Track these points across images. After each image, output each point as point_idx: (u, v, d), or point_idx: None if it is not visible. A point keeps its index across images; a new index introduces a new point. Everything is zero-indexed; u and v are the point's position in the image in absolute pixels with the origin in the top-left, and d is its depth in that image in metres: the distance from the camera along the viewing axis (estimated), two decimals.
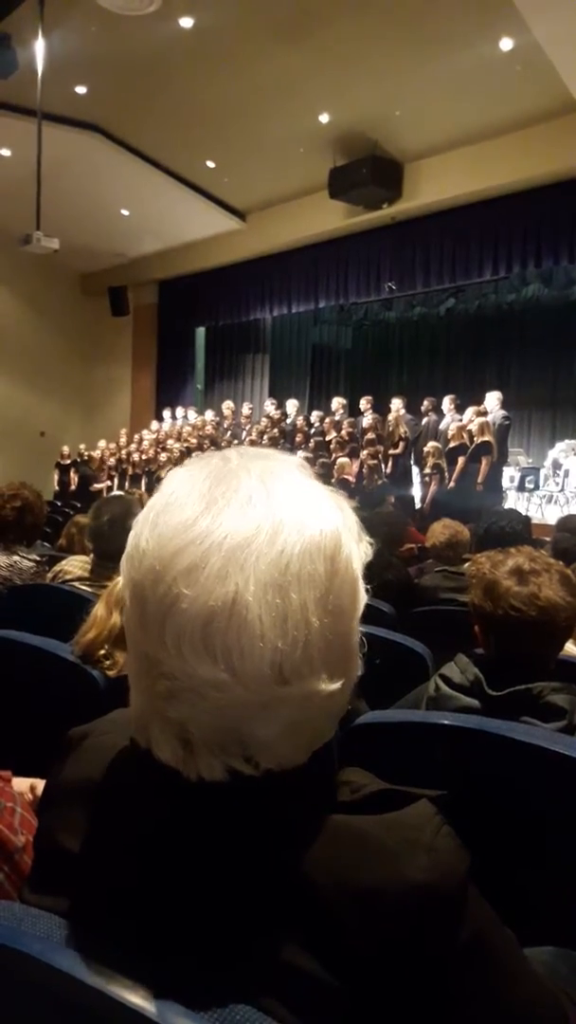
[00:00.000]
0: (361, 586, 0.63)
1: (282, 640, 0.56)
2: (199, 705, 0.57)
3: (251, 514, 0.58)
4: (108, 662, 1.74)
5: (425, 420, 10.18)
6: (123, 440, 13.90)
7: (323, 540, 0.59)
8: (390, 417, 10.19)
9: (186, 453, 11.97)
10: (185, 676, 0.56)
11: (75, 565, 3.03)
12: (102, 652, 1.74)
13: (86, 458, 13.94)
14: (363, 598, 0.64)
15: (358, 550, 0.63)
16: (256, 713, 0.57)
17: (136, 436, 13.66)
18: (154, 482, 11.98)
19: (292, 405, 12.33)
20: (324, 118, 9.73)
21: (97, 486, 12.91)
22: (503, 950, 0.62)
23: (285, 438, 11.45)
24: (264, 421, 12.06)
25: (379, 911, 0.55)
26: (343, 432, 10.55)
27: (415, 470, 10.00)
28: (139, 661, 0.61)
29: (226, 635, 0.55)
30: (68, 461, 13.94)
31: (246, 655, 0.55)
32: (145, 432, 13.62)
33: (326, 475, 9.15)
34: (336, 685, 0.60)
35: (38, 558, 3.07)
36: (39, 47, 7.94)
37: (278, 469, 0.63)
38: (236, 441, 11.95)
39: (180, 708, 0.58)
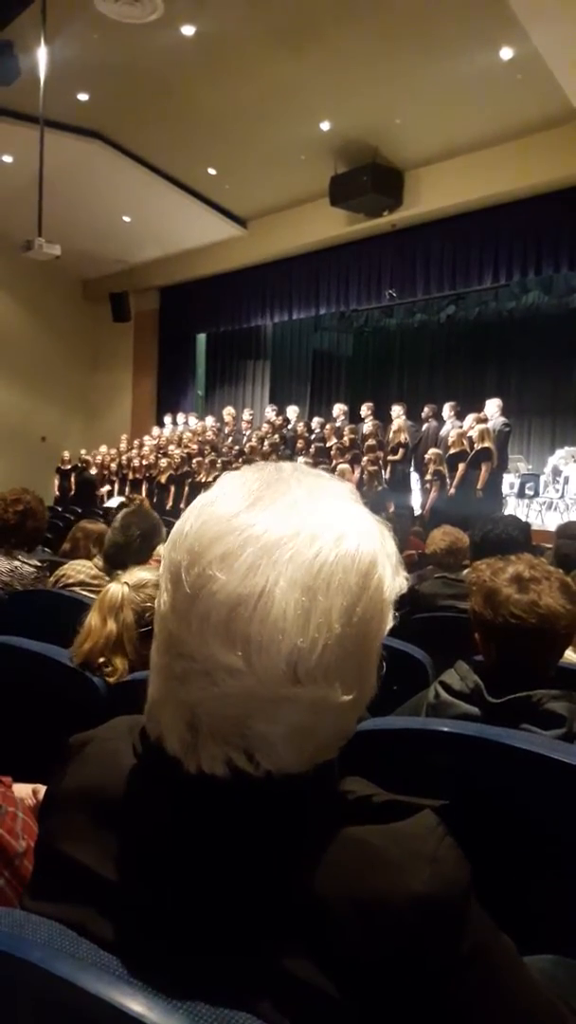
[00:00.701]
0: (389, 611, 0.64)
1: (302, 638, 0.57)
2: (210, 690, 0.58)
3: (293, 518, 0.59)
4: (108, 669, 1.74)
5: (425, 426, 10.20)
6: (124, 445, 13.92)
7: (359, 555, 0.60)
8: (393, 424, 10.20)
9: (187, 459, 11.97)
10: (203, 658, 0.58)
11: (77, 570, 3.03)
12: (101, 660, 1.75)
13: (86, 463, 13.96)
14: (389, 623, 0.65)
15: (392, 580, 0.64)
16: (264, 708, 0.57)
17: (137, 441, 13.68)
18: (154, 488, 11.99)
19: (293, 411, 12.34)
20: (325, 126, 9.77)
21: (101, 492, 12.91)
22: (503, 960, 0.62)
23: (286, 444, 11.45)
24: (265, 427, 12.07)
25: (381, 922, 0.55)
26: (344, 439, 10.56)
27: (414, 476, 10.01)
28: (163, 641, 0.62)
29: (249, 624, 0.56)
30: (69, 466, 13.96)
31: (264, 647, 0.56)
32: (146, 438, 13.63)
33: None
34: (347, 698, 0.60)
35: (39, 563, 3.07)
36: (41, 54, 7.97)
37: (328, 487, 0.65)
38: (237, 447, 11.96)
39: (192, 691, 0.59)
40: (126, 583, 1.83)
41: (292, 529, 0.59)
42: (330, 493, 0.64)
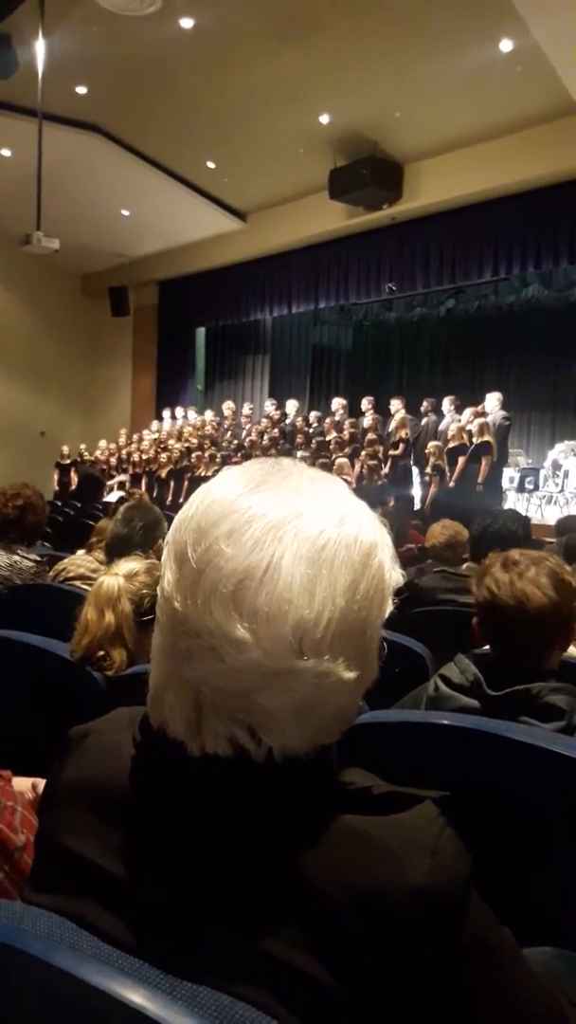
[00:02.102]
0: (389, 597, 0.65)
1: (308, 610, 0.58)
2: (215, 666, 0.58)
3: (296, 501, 0.61)
4: (106, 662, 1.75)
5: (424, 421, 10.19)
6: (123, 440, 13.92)
7: (360, 537, 0.62)
8: (394, 418, 10.19)
9: (186, 453, 11.97)
10: (208, 634, 0.58)
11: (77, 564, 3.03)
12: (100, 653, 1.75)
13: (86, 458, 13.93)
14: (389, 607, 0.66)
15: (391, 568, 0.65)
16: (269, 681, 0.58)
17: (136, 436, 13.68)
18: (154, 482, 11.99)
19: (292, 405, 12.33)
20: (324, 119, 9.73)
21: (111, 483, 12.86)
22: (502, 952, 0.62)
23: (285, 438, 11.44)
24: (264, 421, 12.06)
25: (380, 913, 0.56)
26: (344, 433, 10.55)
27: (415, 471, 10.00)
28: (166, 622, 0.62)
29: (256, 595, 0.57)
30: (68, 461, 13.94)
31: (271, 617, 0.57)
32: (145, 432, 13.63)
33: None
34: (350, 675, 0.61)
35: (38, 558, 3.07)
36: (39, 47, 7.93)
37: (328, 480, 0.66)
38: (236, 441, 11.95)
39: (197, 668, 0.59)
40: (118, 574, 1.83)
41: (295, 510, 0.60)
42: (331, 485, 0.65)
